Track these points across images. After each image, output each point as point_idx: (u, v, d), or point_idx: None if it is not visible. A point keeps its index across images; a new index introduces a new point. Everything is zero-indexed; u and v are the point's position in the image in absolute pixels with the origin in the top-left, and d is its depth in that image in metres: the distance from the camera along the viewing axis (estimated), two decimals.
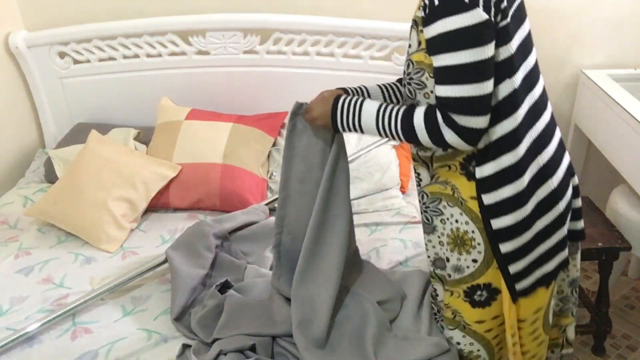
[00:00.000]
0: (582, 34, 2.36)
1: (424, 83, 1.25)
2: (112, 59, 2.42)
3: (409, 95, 1.31)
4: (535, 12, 2.28)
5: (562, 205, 1.34)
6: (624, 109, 2.03)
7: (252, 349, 1.45)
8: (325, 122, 1.39)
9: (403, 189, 2.19)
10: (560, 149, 1.36)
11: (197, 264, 1.70)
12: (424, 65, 1.22)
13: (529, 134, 1.26)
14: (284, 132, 2.24)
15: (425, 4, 1.16)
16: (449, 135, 1.19)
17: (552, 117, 1.35)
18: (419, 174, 1.41)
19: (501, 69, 1.18)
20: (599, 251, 1.99)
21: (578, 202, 1.43)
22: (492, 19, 1.12)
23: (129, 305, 1.67)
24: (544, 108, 1.32)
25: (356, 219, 2.03)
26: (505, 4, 1.16)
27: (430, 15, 1.14)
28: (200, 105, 2.36)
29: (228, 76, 2.41)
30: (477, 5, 1.10)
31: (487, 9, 1.11)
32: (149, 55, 2.40)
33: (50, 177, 2.26)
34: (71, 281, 1.77)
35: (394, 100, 1.51)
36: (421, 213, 1.44)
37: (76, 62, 2.45)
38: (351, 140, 2.23)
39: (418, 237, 1.91)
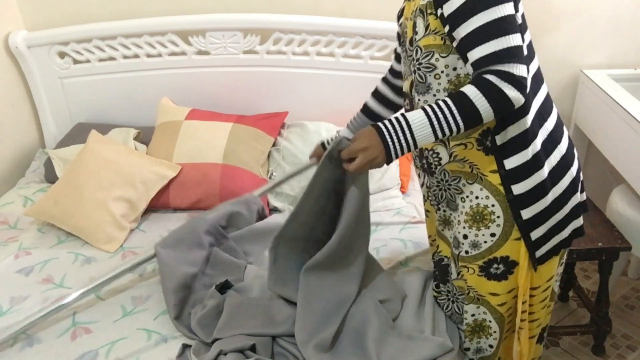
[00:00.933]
0: (582, 34, 2.36)
1: (434, 65, 1.28)
2: (112, 59, 2.42)
3: (420, 79, 1.33)
4: (536, 12, 2.29)
5: (573, 170, 1.40)
6: (624, 109, 2.03)
7: (252, 349, 1.45)
8: (382, 160, 1.26)
9: (403, 189, 2.19)
10: (560, 119, 1.43)
11: (187, 261, 1.69)
12: (434, 47, 1.27)
13: (535, 101, 1.34)
14: (284, 132, 2.28)
15: None
16: (509, 90, 1.17)
17: (549, 94, 1.42)
18: (437, 154, 1.41)
19: None
20: (599, 251, 1.99)
21: (581, 175, 1.49)
22: None
23: (129, 305, 1.67)
24: (542, 79, 1.38)
25: None
26: None
27: None
28: (200, 105, 2.36)
29: (228, 76, 2.41)
30: None
31: None
32: (149, 55, 2.40)
33: (50, 177, 2.26)
34: (71, 281, 1.77)
35: (383, 113, 1.65)
36: (445, 191, 1.46)
37: (76, 62, 2.45)
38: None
39: (418, 237, 1.91)
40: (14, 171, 2.43)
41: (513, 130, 1.31)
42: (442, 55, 1.27)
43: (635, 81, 2.31)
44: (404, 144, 1.23)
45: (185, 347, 1.50)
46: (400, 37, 1.49)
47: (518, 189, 1.34)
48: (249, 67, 2.39)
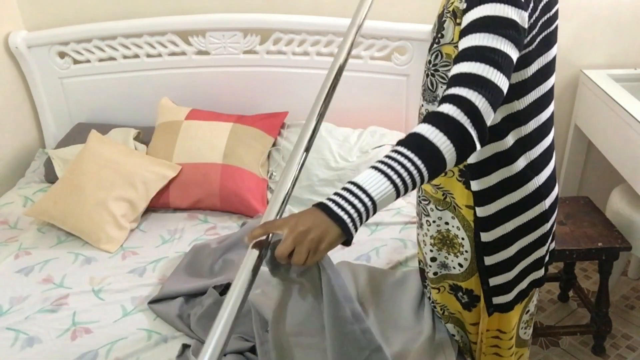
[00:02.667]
0: (582, 34, 2.36)
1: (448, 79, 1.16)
2: (112, 59, 2.42)
3: (430, 87, 1.23)
4: None
5: (548, 225, 1.31)
6: (624, 109, 2.03)
7: (252, 350, 1.45)
8: (334, 236, 0.92)
9: None
10: (554, 174, 1.32)
11: (196, 284, 1.70)
12: (452, 60, 1.15)
13: (525, 156, 1.22)
14: (284, 132, 2.28)
15: None
16: (445, 106, 0.96)
17: (553, 142, 1.30)
18: None
19: (510, 93, 1.07)
20: (599, 251, 1.99)
21: (554, 226, 1.41)
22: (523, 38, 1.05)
23: (129, 305, 1.67)
24: (548, 131, 1.27)
25: None
26: (547, 32, 1.12)
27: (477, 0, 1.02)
28: (200, 105, 2.36)
29: (228, 76, 2.41)
30: (526, 10, 1.03)
31: (526, 30, 1.05)
32: (149, 55, 2.40)
33: (50, 177, 2.26)
34: (71, 281, 1.77)
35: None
36: (417, 204, 1.42)
37: (76, 62, 2.45)
38: (351, 139, 2.23)
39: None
40: (14, 171, 2.43)
41: (495, 178, 1.21)
42: None
43: (635, 81, 2.31)
44: (362, 207, 0.92)
45: (185, 347, 1.50)
46: None
47: (485, 237, 1.27)
48: (249, 67, 2.39)
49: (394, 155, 0.94)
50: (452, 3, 1.14)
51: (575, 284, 2.33)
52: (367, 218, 0.94)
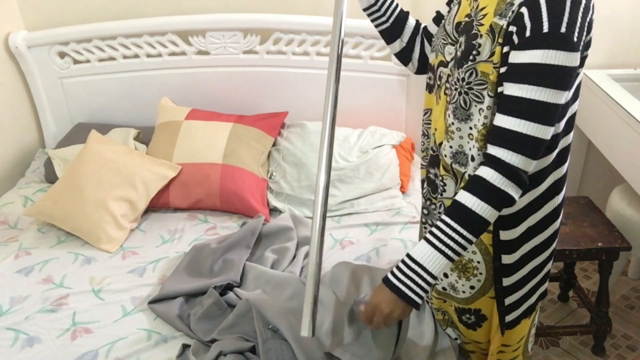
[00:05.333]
0: None
1: (483, 98, 1.13)
2: (112, 59, 2.42)
3: (462, 105, 1.17)
4: None
5: (555, 243, 1.35)
6: (624, 109, 2.03)
7: (252, 350, 1.45)
8: (402, 309, 1.16)
9: (403, 189, 2.19)
10: (564, 194, 1.34)
11: (196, 283, 1.70)
12: (489, 79, 1.11)
13: (552, 175, 1.24)
14: (284, 132, 2.28)
15: (524, 23, 1.04)
16: (512, 191, 1.08)
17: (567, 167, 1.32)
18: (445, 184, 1.31)
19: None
20: (599, 251, 2.00)
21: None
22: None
23: (129, 305, 1.67)
24: (569, 152, 1.28)
25: (356, 219, 2.05)
26: (586, 52, 1.13)
27: (533, 40, 1.03)
28: (200, 105, 2.36)
29: (228, 76, 2.41)
30: (578, 50, 1.05)
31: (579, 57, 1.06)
32: (149, 55, 2.40)
33: (50, 177, 2.26)
34: (71, 281, 1.77)
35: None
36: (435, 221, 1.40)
37: (76, 62, 2.45)
38: (351, 139, 2.23)
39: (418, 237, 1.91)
40: (14, 171, 2.43)
41: (524, 201, 1.22)
42: (490, 94, 1.12)
43: (635, 81, 2.31)
44: (423, 283, 1.12)
45: (185, 347, 1.50)
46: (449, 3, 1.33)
47: (507, 259, 1.27)
48: (249, 67, 2.39)
49: (444, 228, 1.10)
50: (485, 16, 1.12)
51: (575, 284, 2.33)
52: (430, 287, 1.13)
